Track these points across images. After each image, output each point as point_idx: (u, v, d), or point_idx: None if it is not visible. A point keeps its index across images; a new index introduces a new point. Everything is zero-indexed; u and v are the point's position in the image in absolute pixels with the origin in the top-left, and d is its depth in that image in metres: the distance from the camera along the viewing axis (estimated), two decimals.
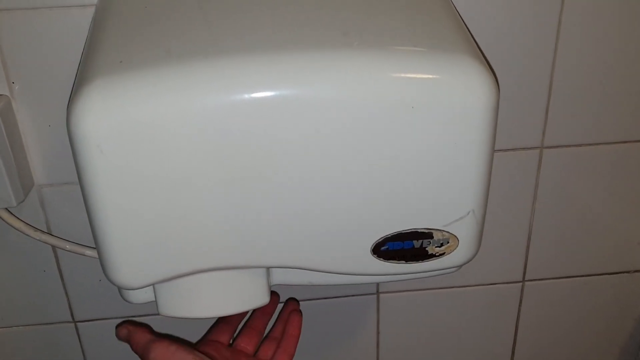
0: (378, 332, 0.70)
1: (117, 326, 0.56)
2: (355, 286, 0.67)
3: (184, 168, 0.40)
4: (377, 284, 0.67)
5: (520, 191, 0.64)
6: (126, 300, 0.51)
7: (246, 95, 0.39)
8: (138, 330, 0.53)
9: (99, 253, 0.44)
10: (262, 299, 0.50)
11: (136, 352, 0.52)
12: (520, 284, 0.69)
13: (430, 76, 0.40)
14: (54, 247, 0.62)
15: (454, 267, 0.48)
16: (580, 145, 0.61)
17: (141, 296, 0.50)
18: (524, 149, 0.61)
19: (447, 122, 0.40)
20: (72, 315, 0.66)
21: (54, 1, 0.51)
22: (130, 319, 0.67)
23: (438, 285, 0.68)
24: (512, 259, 0.68)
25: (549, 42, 0.56)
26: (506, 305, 0.70)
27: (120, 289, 0.50)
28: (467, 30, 0.47)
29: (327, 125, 0.40)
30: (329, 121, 0.40)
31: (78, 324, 0.67)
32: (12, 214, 0.58)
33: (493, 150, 0.43)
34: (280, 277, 0.51)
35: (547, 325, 0.72)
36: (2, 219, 0.57)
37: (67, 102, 0.55)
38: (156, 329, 0.67)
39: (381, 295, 0.68)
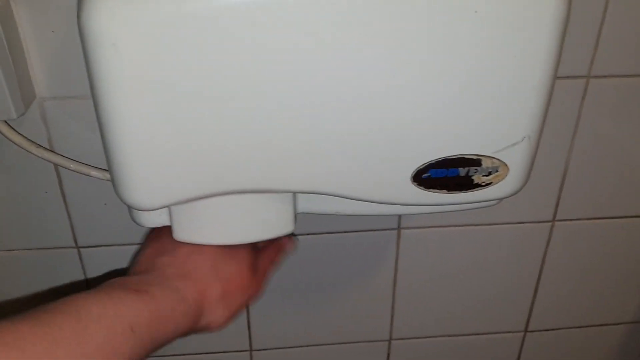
0: (396, 269, 0.68)
1: None
2: (376, 220, 0.63)
3: (203, 75, 0.36)
4: (399, 218, 0.64)
5: (559, 127, 0.60)
6: (137, 223, 0.48)
7: None
8: None
9: (110, 170, 0.41)
10: (287, 227, 0.46)
11: None
12: (550, 223, 0.66)
13: None
14: (56, 166, 0.58)
15: (495, 200, 0.45)
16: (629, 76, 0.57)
17: (155, 219, 0.47)
18: (569, 77, 0.57)
19: (510, 32, 0.36)
20: (75, 240, 0.64)
21: None
22: (136, 245, 0.64)
23: (463, 222, 0.65)
24: (544, 197, 0.64)
25: None
26: (533, 245, 0.68)
27: (131, 210, 0.46)
28: None
29: (371, 27, 0.35)
30: (374, 22, 0.35)
31: (81, 249, 0.64)
32: (11, 127, 0.54)
33: (556, 70, 0.39)
34: (306, 205, 0.47)
35: (573, 267, 0.70)
36: (1, 132, 0.53)
37: (72, 6, 0.50)
38: None
39: (402, 230, 0.65)
